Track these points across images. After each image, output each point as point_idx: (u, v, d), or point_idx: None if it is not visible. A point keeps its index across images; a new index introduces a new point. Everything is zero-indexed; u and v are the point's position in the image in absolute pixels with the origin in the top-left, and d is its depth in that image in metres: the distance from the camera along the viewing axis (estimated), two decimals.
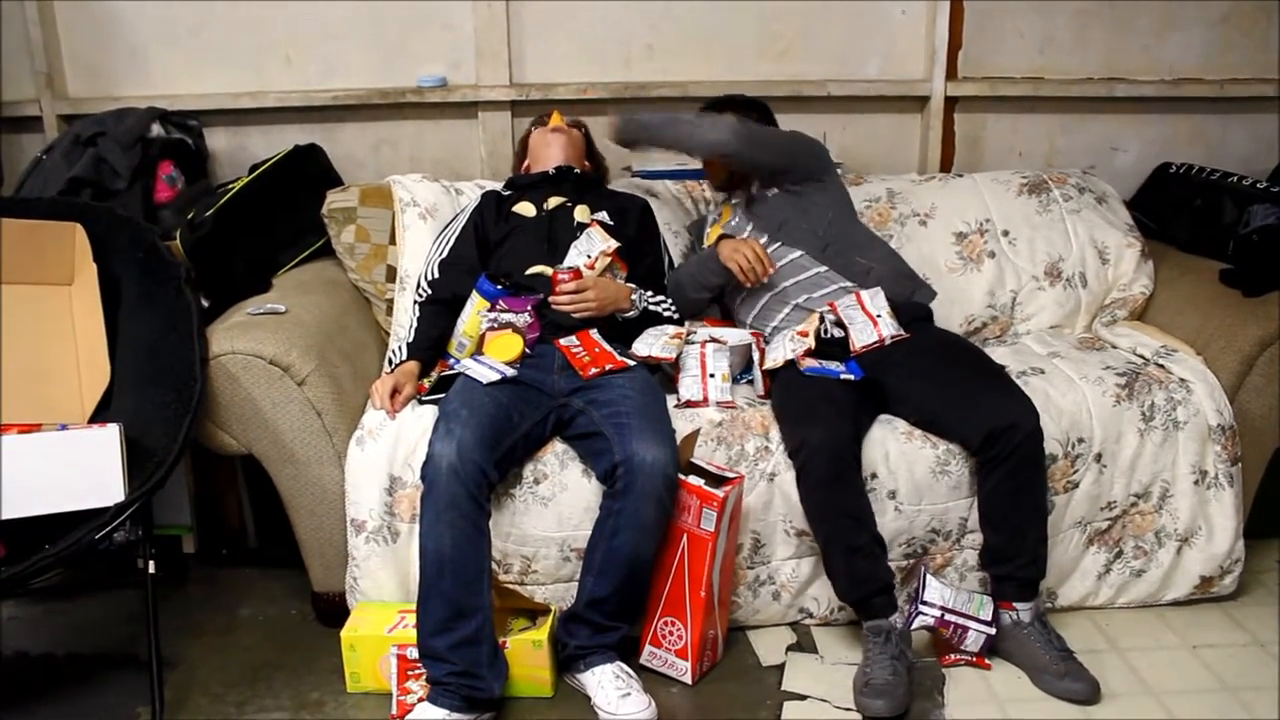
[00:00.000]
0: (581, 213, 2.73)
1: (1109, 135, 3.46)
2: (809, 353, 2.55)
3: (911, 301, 2.72)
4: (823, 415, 2.37)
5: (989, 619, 2.38)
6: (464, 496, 2.17)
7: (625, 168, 3.29)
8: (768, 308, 2.75)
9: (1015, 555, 2.41)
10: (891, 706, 2.21)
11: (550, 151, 2.82)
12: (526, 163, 2.94)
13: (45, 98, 3.18)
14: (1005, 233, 3.07)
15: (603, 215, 2.75)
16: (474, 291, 2.62)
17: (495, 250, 2.72)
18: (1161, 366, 2.66)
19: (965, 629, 2.39)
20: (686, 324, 2.79)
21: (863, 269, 2.72)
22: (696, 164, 3.20)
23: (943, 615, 2.38)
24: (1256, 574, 2.75)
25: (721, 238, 2.77)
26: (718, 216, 2.95)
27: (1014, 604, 2.40)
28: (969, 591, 2.43)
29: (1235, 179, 3.12)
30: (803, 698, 2.32)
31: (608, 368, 2.46)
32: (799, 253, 2.74)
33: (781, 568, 2.48)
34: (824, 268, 2.72)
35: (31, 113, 3.19)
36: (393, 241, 2.89)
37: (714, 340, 2.63)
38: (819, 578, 2.47)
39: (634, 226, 2.80)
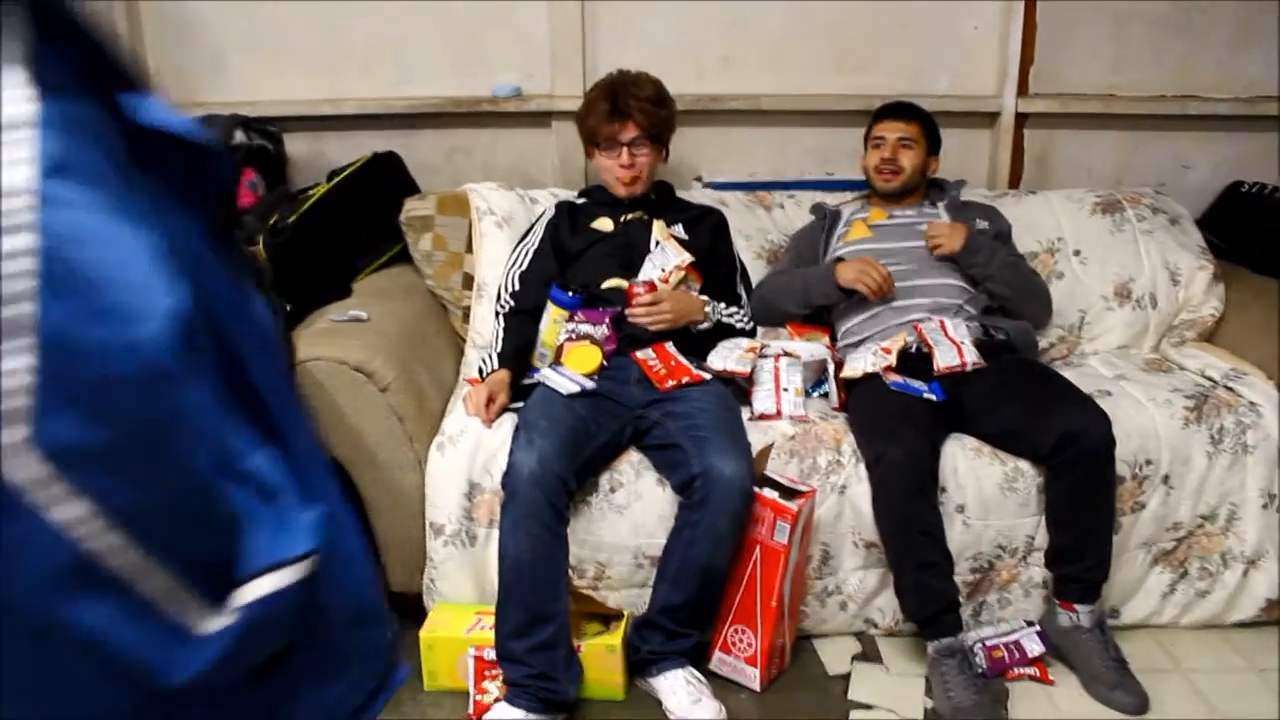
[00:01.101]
0: (658, 228, 2.77)
1: (1181, 153, 3.46)
2: (889, 369, 2.59)
3: (997, 340, 2.75)
4: (903, 431, 2.41)
5: (1036, 630, 2.49)
6: (544, 505, 2.22)
7: (696, 178, 3.33)
8: (879, 318, 2.79)
9: (1080, 557, 2.44)
10: None
11: (619, 191, 2.82)
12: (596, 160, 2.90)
13: None
14: (1077, 252, 3.08)
15: (678, 229, 2.80)
16: (548, 301, 2.68)
17: (572, 262, 2.77)
18: (1231, 389, 2.67)
19: (1018, 643, 2.45)
20: (760, 334, 2.84)
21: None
22: (767, 175, 3.26)
23: (990, 647, 2.46)
24: None
25: (838, 260, 2.83)
26: (860, 214, 2.98)
27: (1075, 605, 2.44)
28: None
29: None
30: (869, 707, 2.36)
31: (684, 380, 2.50)
32: (941, 281, 2.81)
33: (849, 578, 2.52)
34: (930, 300, 2.78)
35: None
36: (469, 249, 2.96)
37: (787, 354, 2.67)
38: (885, 589, 2.51)
39: (708, 238, 2.85)
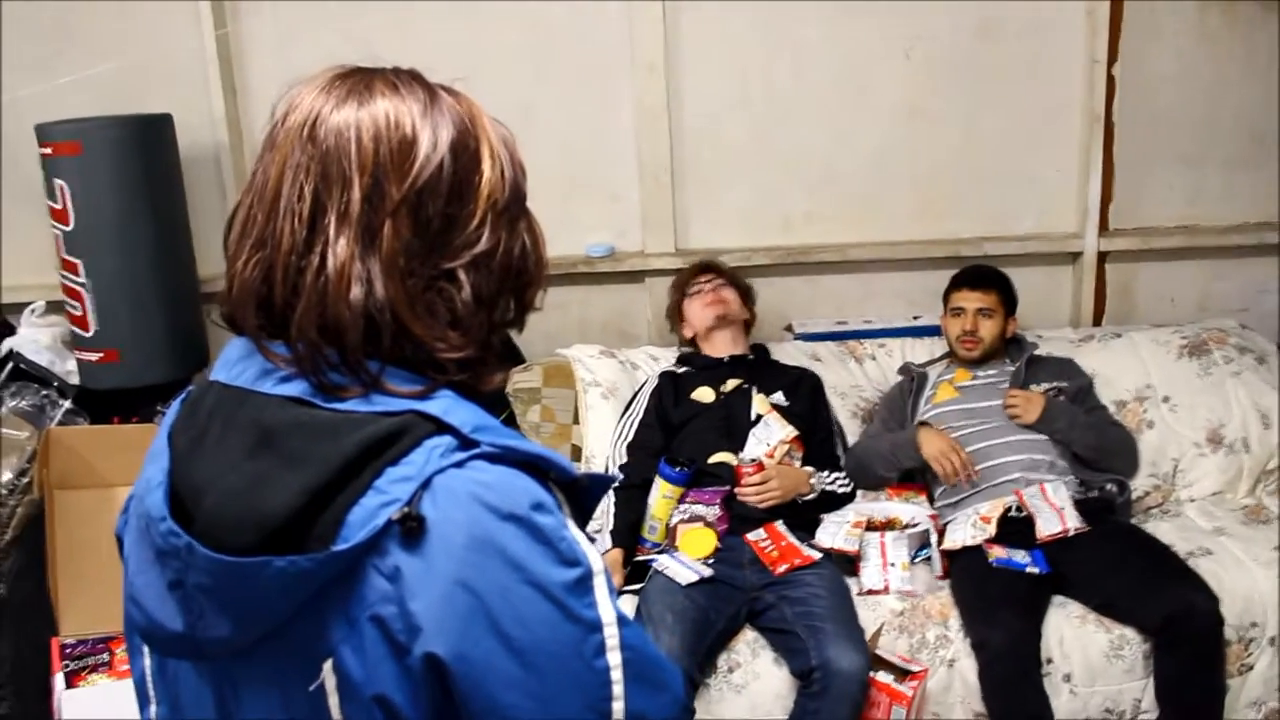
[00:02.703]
0: (759, 400, 2.88)
1: (1261, 279, 3.52)
2: (990, 541, 2.67)
3: (1096, 497, 2.84)
4: (1005, 615, 2.49)
5: None
6: None
7: (785, 327, 3.43)
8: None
9: None
10: None
11: (716, 345, 2.99)
12: (692, 334, 3.10)
13: None
14: (1166, 399, 3.13)
15: (778, 397, 2.91)
16: (657, 475, 2.79)
17: (676, 434, 2.88)
18: None
19: None
20: (859, 495, 2.95)
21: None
22: (856, 323, 3.37)
23: None
24: None
25: (921, 424, 2.95)
26: (946, 375, 3.10)
27: None
28: None
29: None
30: None
31: (796, 563, 2.60)
32: (1030, 437, 2.90)
33: None
34: (1023, 456, 2.87)
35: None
36: (576, 421, 3.07)
37: (890, 526, 2.76)
38: None
39: (806, 403, 2.96)
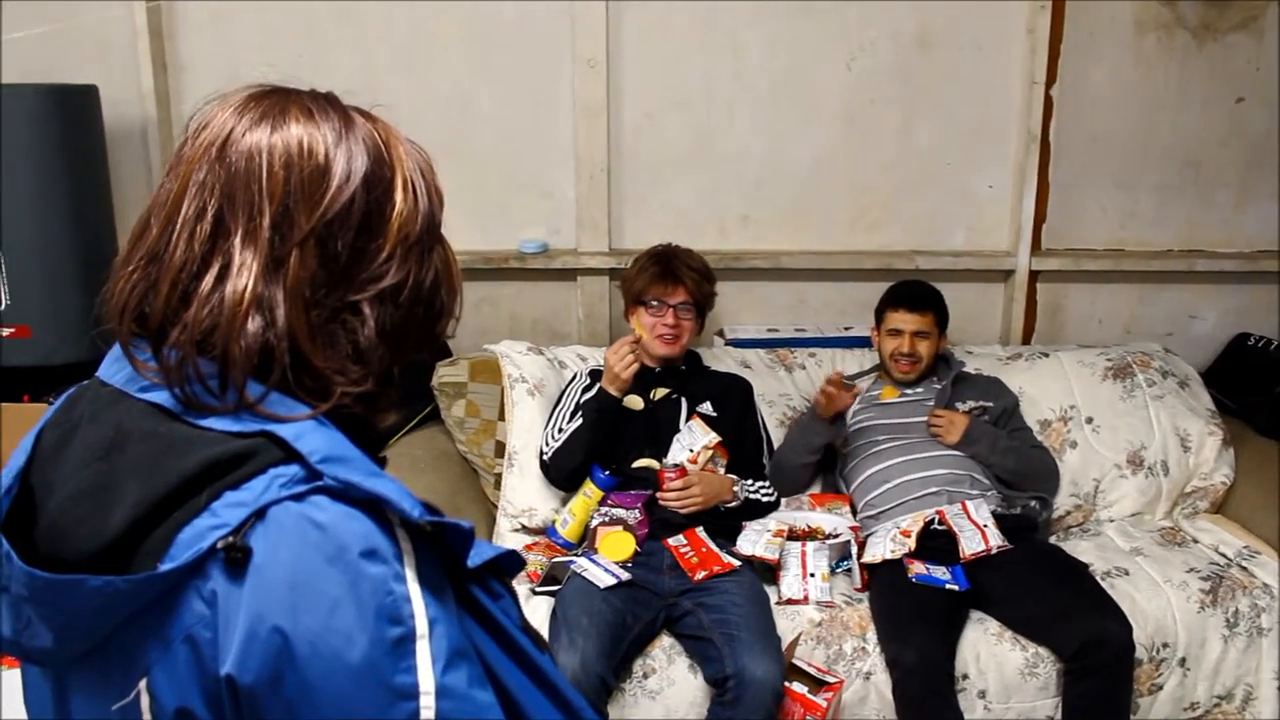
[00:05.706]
0: (686, 412, 2.86)
1: (1187, 304, 3.56)
2: (911, 554, 2.66)
3: (1019, 514, 2.85)
4: (919, 634, 2.48)
5: None
6: None
7: (717, 332, 3.41)
8: (902, 488, 2.87)
9: None
10: None
11: (657, 349, 2.91)
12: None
13: None
14: (1089, 420, 3.15)
15: (706, 406, 2.88)
16: (588, 478, 2.76)
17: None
18: (1245, 569, 2.75)
19: None
20: (783, 504, 2.93)
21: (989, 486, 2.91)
22: (787, 330, 3.35)
23: None
24: None
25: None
26: (874, 390, 3.12)
27: None
28: None
29: None
30: None
31: (715, 569, 2.57)
32: (953, 452, 2.91)
33: None
34: (945, 470, 2.88)
35: None
36: (502, 417, 3.02)
37: (812, 536, 2.75)
38: None
39: (735, 411, 2.93)
